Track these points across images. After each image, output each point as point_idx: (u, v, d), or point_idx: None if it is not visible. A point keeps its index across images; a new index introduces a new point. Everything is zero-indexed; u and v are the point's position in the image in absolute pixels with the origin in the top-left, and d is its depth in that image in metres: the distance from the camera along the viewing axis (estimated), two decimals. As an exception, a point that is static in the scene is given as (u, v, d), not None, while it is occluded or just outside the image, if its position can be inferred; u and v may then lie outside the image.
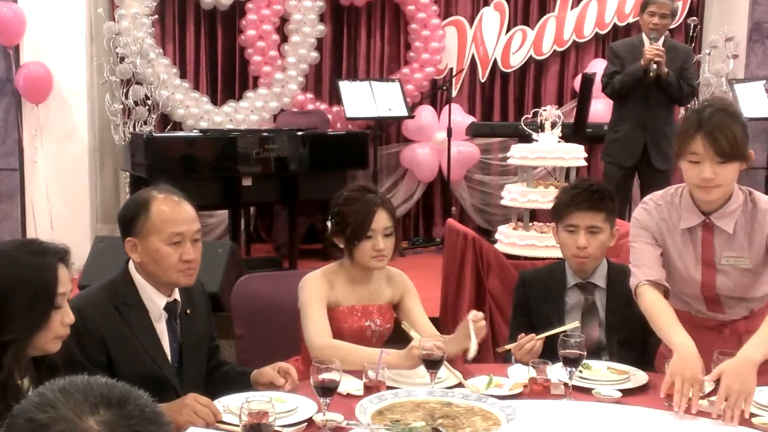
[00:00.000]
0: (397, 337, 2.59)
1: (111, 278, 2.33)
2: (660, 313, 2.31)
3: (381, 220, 2.57)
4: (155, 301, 2.29)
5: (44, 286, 1.84)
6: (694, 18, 7.22)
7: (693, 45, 7.17)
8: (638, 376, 2.35)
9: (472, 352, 2.35)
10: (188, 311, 2.38)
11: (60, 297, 1.88)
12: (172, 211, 2.27)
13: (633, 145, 5.10)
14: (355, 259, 2.59)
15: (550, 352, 2.37)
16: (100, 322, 2.20)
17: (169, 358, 2.30)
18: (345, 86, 6.42)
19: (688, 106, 6.54)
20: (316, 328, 2.48)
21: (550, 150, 4.68)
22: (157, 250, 2.25)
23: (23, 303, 1.81)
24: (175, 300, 2.34)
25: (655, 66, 4.90)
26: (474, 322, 2.38)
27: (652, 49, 4.92)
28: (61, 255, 1.91)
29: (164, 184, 2.36)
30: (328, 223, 2.66)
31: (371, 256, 2.57)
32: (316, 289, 2.57)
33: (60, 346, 1.91)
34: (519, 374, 2.36)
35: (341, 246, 2.62)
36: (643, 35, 5.14)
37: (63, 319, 1.88)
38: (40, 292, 1.83)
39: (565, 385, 2.23)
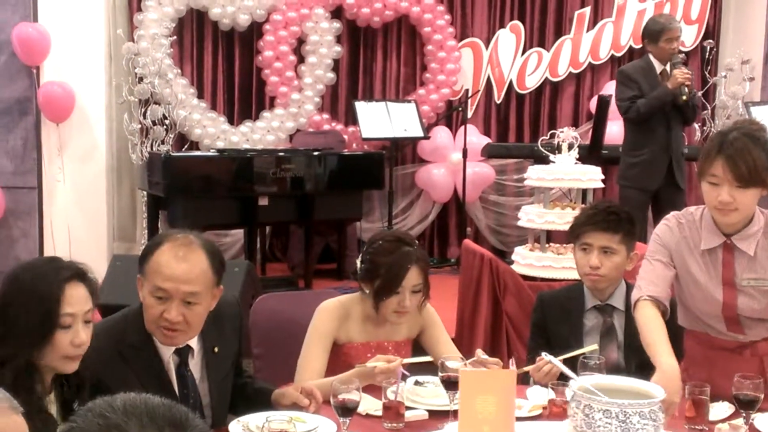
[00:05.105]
0: (413, 368, 2.46)
1: (124, 313, 2.23)
2: (653, 331, 2.29)
3: (412, 277, 2.49)
4: (160, 348, 2.19)
5: (44, 305, 1.79)
6: (711, 41, 7.22)
7: (709, 68, 7.19)
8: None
9: None
10: (216, 349, 2.27)
11: (66, 317, 1.82)
12: (166, 263, 2.12)
13: (658, 168, 5.08)
14: (379, 309, 2.51)
15: (569, 374, 2.36)
16: (101, 369, 2.01)
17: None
18: (361, 107, 6.44)
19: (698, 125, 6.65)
20: (305, 369, 2.46)
21: (568, 171, 4.68)
22: (144, 298, 2.15)
23: (24, 319, 1.79)
24: (187, 346, 2.21)
25: (686, 89, 4.93)
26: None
27: (683, 72, 4.94)
28: (73, 274, 1.85)
29: (197, 231, 2.25)
30: (358, 263, 2.59)
31: (394, 310, 2.51)
32: (324, 327, 2.52)
33: (75, 366, 1.86)
34: (538, 396, 2.36)
35: (368, 291, 2.55)
36: (651, 58, 5.14)
37: (73, 340, 1.82)
38: (40, 309, 1.79)
39: (585, 407, 2.22)
